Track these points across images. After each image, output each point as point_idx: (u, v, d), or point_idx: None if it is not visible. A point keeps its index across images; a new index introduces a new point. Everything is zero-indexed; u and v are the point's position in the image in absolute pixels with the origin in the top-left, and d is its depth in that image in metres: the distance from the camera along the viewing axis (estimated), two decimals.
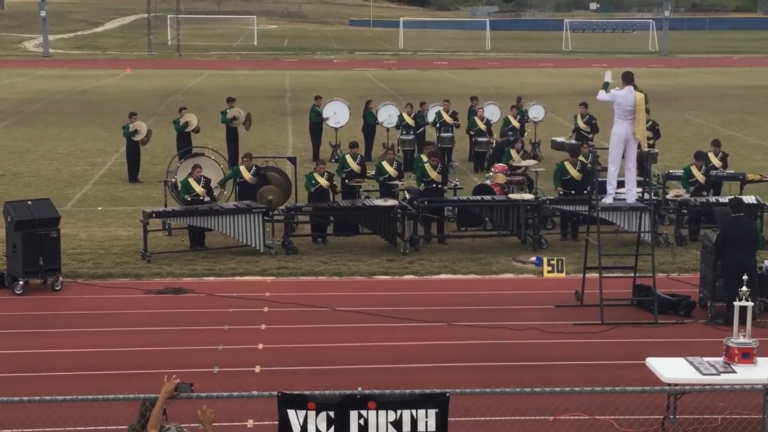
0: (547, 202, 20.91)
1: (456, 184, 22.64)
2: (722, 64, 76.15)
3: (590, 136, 28.49)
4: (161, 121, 37.22)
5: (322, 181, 20.85)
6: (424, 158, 21.82)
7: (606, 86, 17.30)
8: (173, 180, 22.21)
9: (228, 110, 29.56)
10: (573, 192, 21.12)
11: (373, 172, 22.20)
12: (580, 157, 21.68)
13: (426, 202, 20.59)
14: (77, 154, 32.63)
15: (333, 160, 28.11)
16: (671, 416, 11.61)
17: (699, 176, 21.66)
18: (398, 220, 20.25)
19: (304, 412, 8.43)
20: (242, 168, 21.53)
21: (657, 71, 66.40)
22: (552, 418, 11.73)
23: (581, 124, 29.07)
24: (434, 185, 21.08)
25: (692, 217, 21.19)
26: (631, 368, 13.13)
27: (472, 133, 29.55)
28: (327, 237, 20.95)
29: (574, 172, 21.29)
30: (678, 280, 18.10)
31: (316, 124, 31.20)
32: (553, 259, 18.76)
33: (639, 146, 17.24)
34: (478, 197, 21.32)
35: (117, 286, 17.83)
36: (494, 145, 27.82)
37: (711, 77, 63.74)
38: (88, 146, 34.23)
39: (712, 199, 21.24)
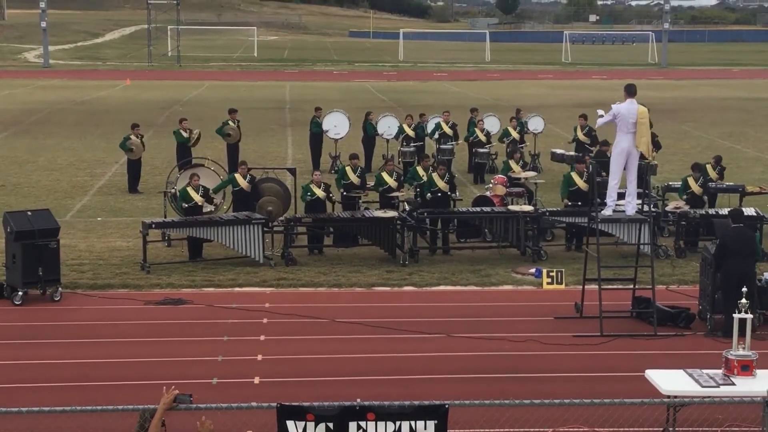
0: (547, 213, 20.91)
1: (455, 196, 22.65)
2: (721, 76, 76.23)
3: (591, 148, 28.46)
4: (161, 132, 37.26)
5: (319, 192, 20.85)
6: (420, 170, 21.82)
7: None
8: (173, 191, 22.20)
9: (228, 121, 29.69)
10: (579, 203, 20.90)
11: (372, 183, 22.22)
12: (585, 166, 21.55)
13: (426, 214, 20.60)
14: (77, 165, 32.65)
15: (332, 172, 28.11)
16: (671, 428, 11.59)
17: (695, 188, 21.68)
18: (398, 231, 20.26)
19: (303, 423, 8.43)
20: (238, 176, 21.50)
21: (656, 83, 66.49)
22: (551, 430, 11.70)
23: (581, 136, 29.08)
24: (440, 194, 21.09)
25: (691, 229, 21.18)
26: (630, 380, 13.12)
27: (472, 142, 29.58)
28: (324, 248, 20.92)
29: (580, 183, 21.21)
30: (677, 292, 18.10)
31: (316, 135, 31.21)
32: (552, 271, 18.76)
33: (642, 158, 17.17)
34: (478, 209, 21.34)
35: (116, 297, 17.83)
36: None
37: (710, 89, 63.81)
38: (88, 157, 34.24)
39: (712, 211, 21.25)
